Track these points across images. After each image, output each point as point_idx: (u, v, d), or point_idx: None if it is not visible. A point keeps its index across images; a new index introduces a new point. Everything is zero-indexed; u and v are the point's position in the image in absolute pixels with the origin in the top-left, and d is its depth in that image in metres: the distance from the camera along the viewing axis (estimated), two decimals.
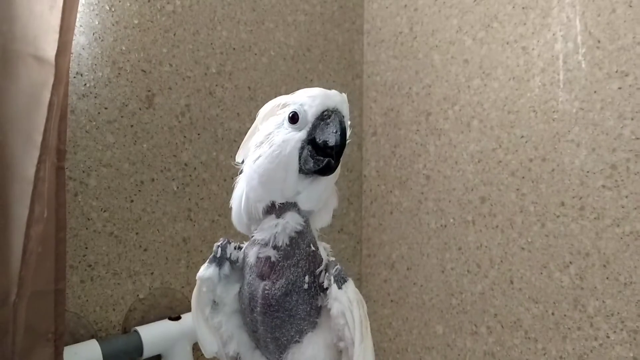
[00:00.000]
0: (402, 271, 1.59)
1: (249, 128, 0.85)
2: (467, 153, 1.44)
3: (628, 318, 1.16)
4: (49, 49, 0.88)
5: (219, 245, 0.84)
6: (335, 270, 0.76)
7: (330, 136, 0.72)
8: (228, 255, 0.84)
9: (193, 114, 1.35)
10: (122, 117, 1.24)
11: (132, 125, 1.25)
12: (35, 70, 0.88)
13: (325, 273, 0.78)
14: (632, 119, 1.15)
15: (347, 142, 0.74)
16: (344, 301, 0.75)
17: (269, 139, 0.76)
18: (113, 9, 1.23)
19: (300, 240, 0.78)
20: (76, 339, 1.16)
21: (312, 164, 0.73)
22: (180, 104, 1.33)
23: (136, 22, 1.27)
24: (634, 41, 1.15)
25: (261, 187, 0.77)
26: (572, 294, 1.24)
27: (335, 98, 0.75)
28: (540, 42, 1.30)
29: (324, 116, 0.73)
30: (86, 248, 1.19)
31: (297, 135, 0.74)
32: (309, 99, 0.74)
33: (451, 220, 1.47)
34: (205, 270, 0.84)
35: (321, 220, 0.82)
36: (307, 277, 0.78)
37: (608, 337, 1.18)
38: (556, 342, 1.26)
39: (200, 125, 1.36)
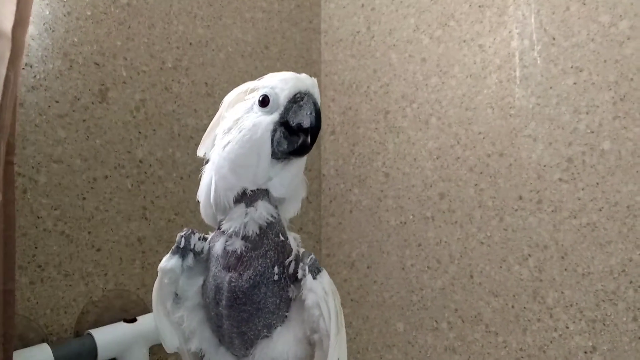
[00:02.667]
0: (362, 270, 1.59)
1: (206, 124, 0.83)
2: (426, 150, 1.45)
3: (586, 308, 1.18)
4: (6, 21, 0.83)
5: (182, 235, 0.81)
6: (310, 260, 0.74)
7: (304, 118, 0.71)
8: (192, 246, 0.81)
9: (148, 110, 1.31)
10: (74, 111, 1.18)
11: (84, 120, 1.20)
12: None
13: (296, 263, 0.75)
14: (587, 113, 1.18)
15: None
16: (319, 292, 0.73)
17: (238, 124, 0.74)
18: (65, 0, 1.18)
19: (269, 230, 0.75)
20: (26, 343, 1.09)
21: (286, 146, 0.72)
22: (135, 99, 1.28)
23: (89, 13, 1.22)
24: (587, 38, 1.19)
25: (232, 174, 0.74)
26: (531, 286, 1.26)
27: (307, 81, 0.74)
28: (496, 39, 1.32)
29: (297, 99, 0.72)
30: (36, 248, 1.12)
31: (269, 118, 0.72)
32: (281, 82, 0.73)
33: (411, 217, 1.48)
34: (168, 261, 0.81)
35: (291, 209, 0.80)
36: (276, 268, 0.75)
37: (567, 327, 1.21)
38: (516, 334, 1.28)
39: (155, 121, 1.32)
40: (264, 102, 0.72)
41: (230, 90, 0.80)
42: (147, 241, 1.31)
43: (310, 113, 0.71)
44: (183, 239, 0.81)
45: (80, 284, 1.20)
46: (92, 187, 1.22)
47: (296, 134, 0.72)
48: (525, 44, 1.27)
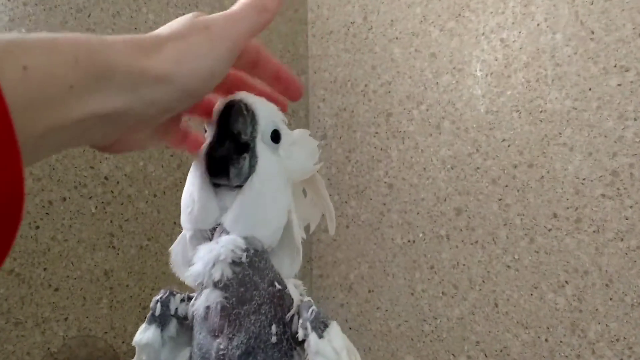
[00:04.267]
0: (363, 294, 1.40)
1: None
2: (438, 158, 1.27)
3: (636, 343, 1.03)
4: None
5: (157, 300, 0.60)
6: (312, 314, 0.53)
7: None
8: (172, 312, 0.60)
9: None
10: None
11: None
12: None
13: (299, 319, 0.55)
14: (635, 120, 1.02)
15: (249, 133, 0.52)
16: (329, 354, 0.52)
17: None
18: None
19: (258, 277, 0.54)
20: None
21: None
22: None
23: None
24: (634, 32, 1.03)
25: (182, 209, 0.55)
26: (569, 317, 1.10)
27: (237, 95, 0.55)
28: (522, 33, 1.15)
29: (228, 107, 0.53)
30: None
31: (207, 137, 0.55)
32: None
33: (420, 234, 1.30)
34: (143, 334, 0.60)
35: (284, 264, 0.58)
36: (273, 327, 0.54)
37: None
38: None
39: None
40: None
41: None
42: (115, 274, 1.09)
43: (229, 117, 0.52)
44: (158, 305, 0.60)
45: (35, 332, 0.97)
46: (46, 213, 0.99)
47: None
48: (558, 39, 1.11)
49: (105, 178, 1.07)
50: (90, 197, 1.05)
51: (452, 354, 1.25)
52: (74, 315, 1.03)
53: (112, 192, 1.08)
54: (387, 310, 1.36)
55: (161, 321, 0.59)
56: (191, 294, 0.60)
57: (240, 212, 0.53)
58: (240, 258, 0.52)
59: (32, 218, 0.97)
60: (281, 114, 0.57)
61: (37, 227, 0.97)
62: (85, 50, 0.32)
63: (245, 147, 0.53)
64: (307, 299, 0.56)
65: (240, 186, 0.53)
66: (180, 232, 0.58)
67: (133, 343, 0.60)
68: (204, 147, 0.53)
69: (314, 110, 1.52)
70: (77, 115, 0.31)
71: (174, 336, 0.60)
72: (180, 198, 0.54)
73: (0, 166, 0.25)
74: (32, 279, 0.97)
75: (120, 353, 1.09)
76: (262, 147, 0.54)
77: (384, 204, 1.36)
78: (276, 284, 0.55)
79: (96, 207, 1.06)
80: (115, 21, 1.10)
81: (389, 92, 1.35)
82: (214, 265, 0.52)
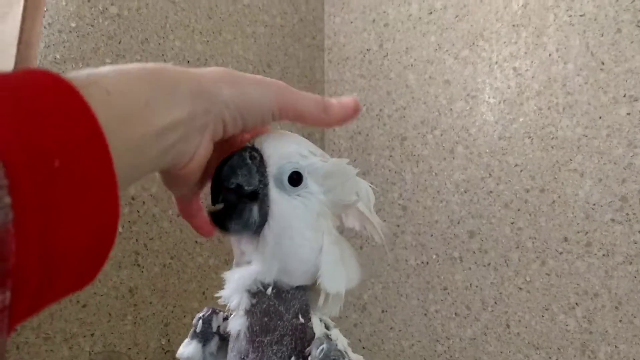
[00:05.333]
0: (376, 314, 1.43)
1: None
2: (451, 182, 1.31)
3: None
4: (5, 66, 0.65)
5: (199, 318, 0.63)
6: (320, 352, 0.53)
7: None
8: (215, 329, 0.63)
9: None
10: None
11: None
12: None
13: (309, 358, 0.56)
14: None
15: (250, 184, 0.51)
16: None
17: None
18: (45, 8, 0.99)
19: (283, 307, 0.55)
20: None
21: None
22: None
23: (73, 25, 1.04)
24: None
25: None
26: (579, 338, 1.12)
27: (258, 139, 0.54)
28: (534, 62, 1.19)
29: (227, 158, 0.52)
30: None
31: None
32: None
33: (434, 256, 1.33)
34: (185, 348, 0.63)
35: (314, 301, 0.57)
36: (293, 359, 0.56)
37: None
38: None
39: None
40: None
41: None
42: (139, 292, 1.12)
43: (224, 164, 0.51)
44: (200, 322, 0.63)
45: (63, 347, 1.00)
46: None
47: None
48: (569, 69, 1.15)
49: (132, 198, 1.11)
50: None
51: None
52: (100, 331, 1.06)
53: (138, 212, 1.12)
54: (400, 330, 1.39)
55: (203, 337, 0.62)
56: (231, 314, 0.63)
57: (262, 261, 0.53)
58: (266, 289, 0.54)
59: None
60: (306, 147, 0.54)
61: None
62: (151, 71, 0.37)
63: (253, 196, 0.52)
64: (331, 332, 0.57)
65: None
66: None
67: (177, 355, 0.63)
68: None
69: (330, 133, 1.56)
70: (155, 127, 0.35)
71: (215, 352, 0.63)
72: None
73: (97, 170, 0.29)
74: None
75: None
76: (277, 191, 0.53)
77: (398, 226, 1.40)
78: (300, 316, 0.55)
79: (123, 226, 1.10)
80: (144, 47, 1.15)
81: (404, 116, 1.40)
82: (234, 293, 0.54)
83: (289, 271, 0.54)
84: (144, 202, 1.13)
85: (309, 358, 0.54)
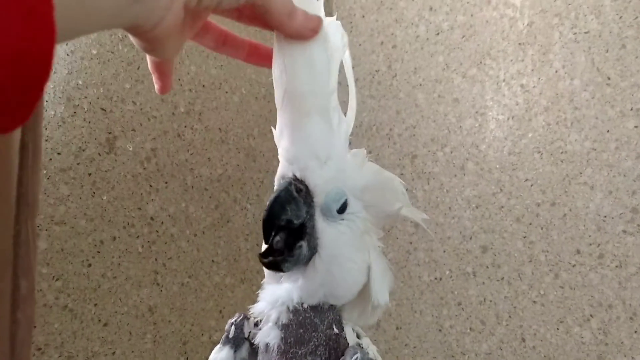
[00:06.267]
0: (390, 331, 1.43)
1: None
2: (463, 198, 1.32)
3: None
4: None
5: (232, 323, 0.65)
6: None
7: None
8: (246, 335, 0.65)
9: (160, 160, 1.15)
10: (78, 164, 1.02)
11: (90, 174, 1.04)
12: None
13: None
14: None
15: (299, 218, 0.53)
16: None
17: None
18: None
19: (318, 319, 0.57)
20: None
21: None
22: (145, 148, 1.13)
23: (95, 52, 1.07)
24: None
25: None
26: (595, 350, 1.13)
27: (288, 154, 0.55)
28: (541, 79, 1.22)
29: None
30: (35, 327, 0.94)
31: None
32: None
33: (447, 272, 1.34)
34: (217, 353, 0.65)
35: (351, 314, 0.60)
36: None
37: None
38: None
39: (167, 172, 1.17)
40: None
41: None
42: (158, 310, 1.14)
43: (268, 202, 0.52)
44: (233, 328, 0.65)
45: None
46: (98, 252, 1.05)
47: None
48: (576, 84, 1.17)
49: (151, 218, 1.14)
50: (137, 237, 1.11)
51: None
52: (121, 350, 1.07)
53: (157, 232, 1.14)
54: (415, 347, 1.39)
55: (235, 343, 0.64)
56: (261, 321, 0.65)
57: (308, 287, 0.55)
58: (302, 305, 0.56)
59: (85, 256, 1.02)
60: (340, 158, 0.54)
61: (90, 265, 1.03)
62: None
63: (299, 232, 0.52)
64: (362, 340, 0.59)
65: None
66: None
67: None
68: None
69: None
70: None
71: (246, 358, 0.65)
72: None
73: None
74: (84, 314, 1.02)
75: None
76: (323, 219, 0.54)
77: (410, 243, 1.41)
78: (334, 327, 0.57)
79: (142, 245, 1.12)
80: None
81: (414, 135, 1.42)
82: (272, 308, 0.56)
83: (336, 295, 0.56)
84: (162, 222, 1.15)
85: None
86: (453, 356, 1.32)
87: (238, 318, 0.65)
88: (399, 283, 1.43)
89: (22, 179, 0.66)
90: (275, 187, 0.53)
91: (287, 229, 0.52)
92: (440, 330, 1.35)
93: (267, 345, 0.59)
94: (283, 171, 0.54)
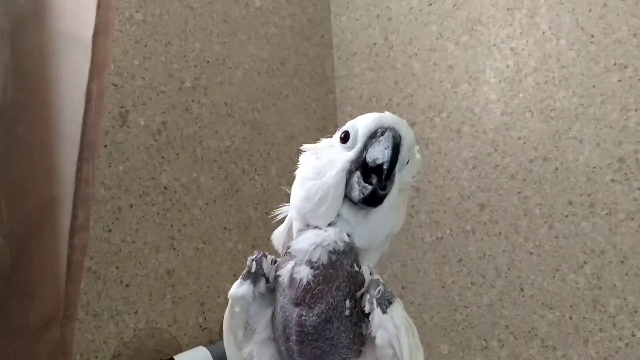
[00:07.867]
0: (397, 291, 1.50)
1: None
2: (460, 160, 1.39)
3: None
4: (85, 28, 0.75)
5: (253, 259, 0.73)
6: (378, 292, 0.64)
7: (379, 153, 0.62)
8: (264, 271, 0.73)
9: (170, 132, 1.22)
10: None
11: (105, 146, 1.11)
12: (72, 53, 0.75)
13: (367, 296, 0.66)
14: (636, 110, 1.14)
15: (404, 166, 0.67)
16: (390, 328, 0.62)
17: (318, 157, 0.68)
18: None
19: (345, 259, 0.66)
20: None
21: (357, 192, 0.64)
22: (156, 121, 1.20)
23: None
24: (629, 33, 1.15)
25: (299, 208, 0.69)
26: (589, 294, 1.19)
27: (389, 119, 0.66)
28: (529, 42, 1.28)
29: (377, 134, 0.64)
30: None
31: (346, 156, 0.65)
32: (363, 118, 0.67)
33: (448, 231, 1.41)
34: (239, 287, 0.73)
35: (366, 254, 0.70)
36: (347, 302, 0.66)
37: (634, 335, 1.14)
38: (577, 347, 1.21)
39: (178, 144, 1.24)
40: (345, 138, 0.67)
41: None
42: (176, 273, 1.21)
43: (387, 147, 0.62)
44: (254, 263, 0.72)
45: (110, 324, 1.09)
46: (117, 218, 1.12)
47: (370, 177, 0.63)
48: (562, 44, 1.23)
49: (165, 188, 1.21)
50: (153, 205, 1.18)
51: (484, 339, 1.34)
52: (143, 309, 1.15)
53: (170, 200, 1.22)
54: (420, 304, 1.46)
55: (254, 278, 0.72)
56: (277, 258, 0.73)
57: (367, 231, 0.66)
58: (340, 249, 0.65)
59: (105, 222, 1.10)
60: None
61: (110, 230, 1.10)
62: None
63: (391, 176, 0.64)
64: (376, 277, 0.68)
65: None
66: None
67: (228, 296, 0.73)
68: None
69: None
70: None
71: (263, 293, 0.73)
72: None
73: None
74: (107, 276, 1.09)
75: (182, 345, 1.20)
76: (397, 173, 0.65)
77: (413, 206, 1.48)
78: (355, 265, 0.67)
79: (158, 213, 1.19)
80: (167, 50, 1.25)
81: (412, 103, 1.48)
82: (315, 248, 0.65)
83: (378, 240, 0.68)
84: (175, 191, 1.22)
85: (366, 296, 0.65)
86: (456, 310, 1.39)
87: (258, 255, 0.73)
88: (402, 245, 1.50)
89: (86, 121, 0.74)
90: (380, 136, 0.64)
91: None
92: (443, 286, 1.42)
93: (291, 280, 0.66)
94: (381, 120, 0.65)
